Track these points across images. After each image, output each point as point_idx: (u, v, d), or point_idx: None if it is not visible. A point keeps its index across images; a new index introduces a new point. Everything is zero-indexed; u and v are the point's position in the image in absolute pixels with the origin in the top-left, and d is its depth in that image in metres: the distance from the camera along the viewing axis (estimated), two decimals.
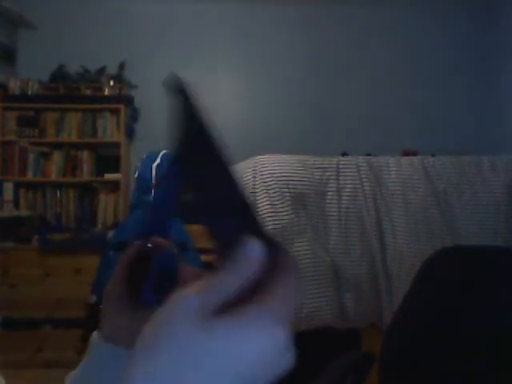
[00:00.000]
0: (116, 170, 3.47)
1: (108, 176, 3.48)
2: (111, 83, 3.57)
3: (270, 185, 2.21)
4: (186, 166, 0.32)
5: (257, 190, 2.21)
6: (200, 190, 0.31)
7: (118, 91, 3.57)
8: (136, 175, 2.72)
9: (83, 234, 3.14)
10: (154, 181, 2.62)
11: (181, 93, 0.32)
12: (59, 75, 3.60)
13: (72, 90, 3.59)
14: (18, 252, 2.99)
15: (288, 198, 2.20)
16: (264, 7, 3.83)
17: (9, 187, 3.38)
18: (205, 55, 3.81)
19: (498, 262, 1.06)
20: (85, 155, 3.51)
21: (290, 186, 2.21)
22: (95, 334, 0.48)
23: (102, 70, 3.64)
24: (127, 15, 3.79)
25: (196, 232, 2.13)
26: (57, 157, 3.49)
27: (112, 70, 3.64)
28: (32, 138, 3.47)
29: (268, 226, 2.18)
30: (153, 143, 3.26)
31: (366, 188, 2.25)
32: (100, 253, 2.57)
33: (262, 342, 0.28)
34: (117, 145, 3.49)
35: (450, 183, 2.25)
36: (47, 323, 2.89)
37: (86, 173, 3.50)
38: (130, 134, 3.65)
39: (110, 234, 2.82)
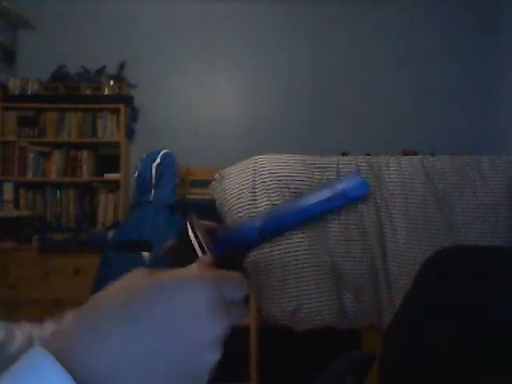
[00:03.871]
0: (116, 169, 3.47)
1: (108, 176, 3.47)
2: (111, 83, 3.56)
3: (269, 185, 2.20)
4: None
5: (257, 190, 2.21)
6: None
7: (117, 91, 3.57)
8: (136, 175, 2.72)
9: (83, 233, 3.13)
10: (153, 180, 2.62)
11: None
12: (59, 75, 3.60)
13: (72, 90, 3.59)
14: (18, 252, 2.99)
15: (288, 197, 2.19)
16: (264, 7, 3.83)
17: (9, 187, 3.38)
18: (205, 55, 3.81)
19: (498, 262, 1.06)
20: (85, 155, 3.51)
21: (290, 186, 2.21)
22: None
23: (101, 70, 3.64)
24: (127, 15, 3.79)
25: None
26: (57, 157, 3.49)
27: (112, 70, 3.64)
28: (32, 138, 3.47)
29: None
30: (153, 143, 3.27)
31: None
32: (100, 253, 2.57)
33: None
34: (117, 145, 3.48)
35: (449, 183, 2.24)
36: None
37: (85, 173, 3.50)
38: (130, 133, 3.65)
39: (110, 234, 2.82)
